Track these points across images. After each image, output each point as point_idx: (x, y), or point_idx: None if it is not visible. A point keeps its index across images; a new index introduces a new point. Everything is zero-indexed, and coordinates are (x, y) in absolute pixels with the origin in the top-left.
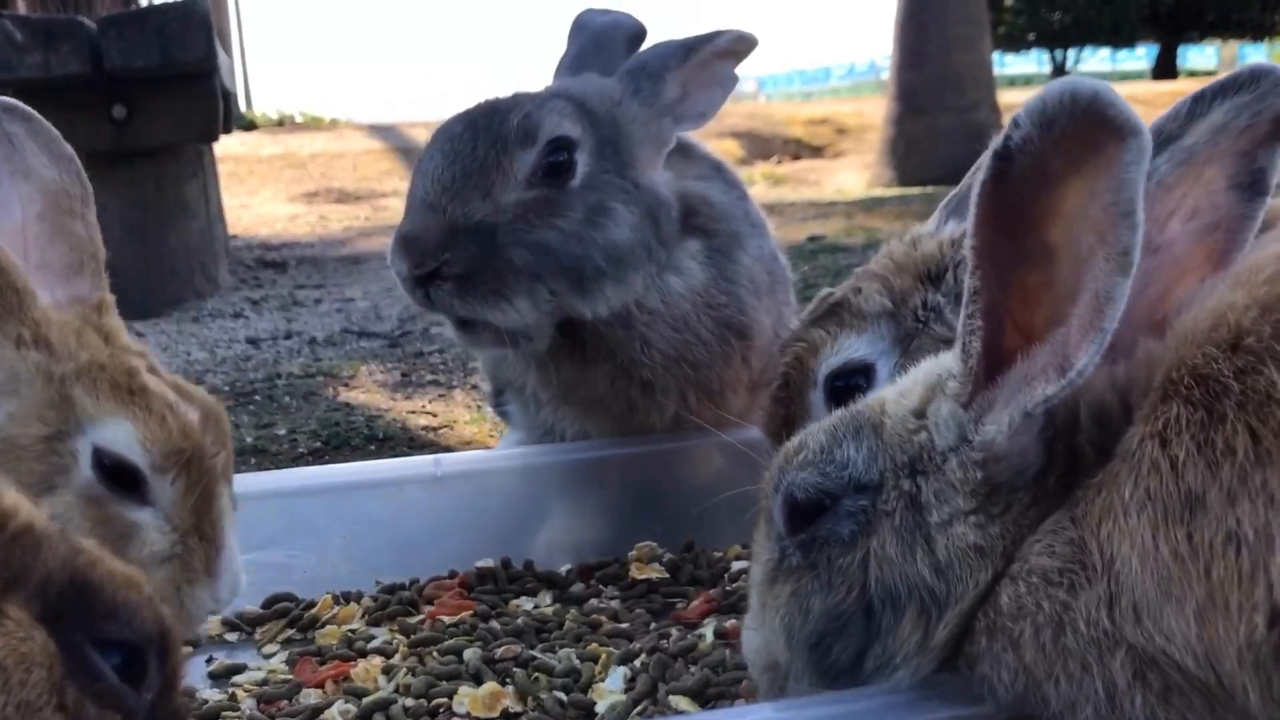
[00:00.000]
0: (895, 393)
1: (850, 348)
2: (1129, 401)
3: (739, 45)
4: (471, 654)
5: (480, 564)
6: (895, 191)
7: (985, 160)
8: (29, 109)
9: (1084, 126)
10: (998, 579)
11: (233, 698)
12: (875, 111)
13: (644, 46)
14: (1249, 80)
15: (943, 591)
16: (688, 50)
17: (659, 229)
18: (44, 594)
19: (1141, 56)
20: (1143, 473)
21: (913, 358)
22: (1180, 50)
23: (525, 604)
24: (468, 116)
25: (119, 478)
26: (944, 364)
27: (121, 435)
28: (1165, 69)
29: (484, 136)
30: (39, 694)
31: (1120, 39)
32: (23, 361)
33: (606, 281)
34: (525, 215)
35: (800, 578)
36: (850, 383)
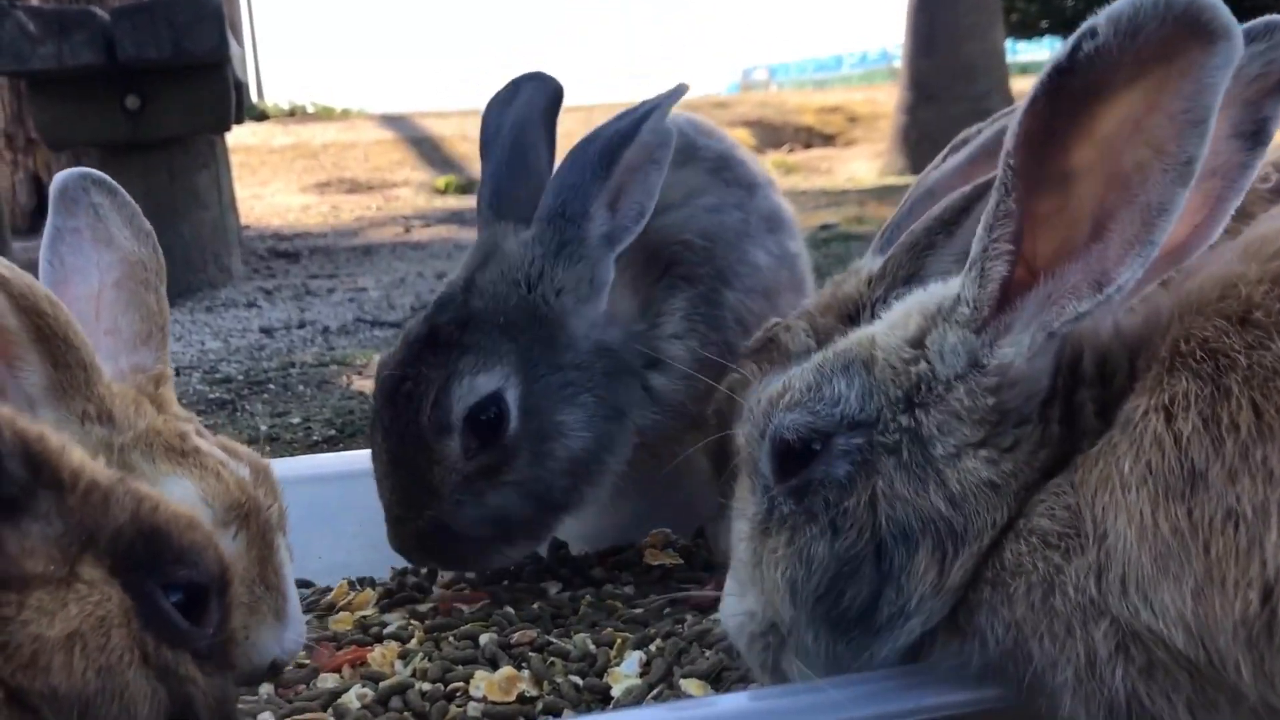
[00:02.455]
0: (884, 326)
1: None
2: (1135, 362)
3: (668, 108)
4: (487, 639)
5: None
6: (907, 180)
7: (1041, 75)
8: (114, 182)
9: (1172, 34)
10: (1005, 532)
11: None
12: (887, 100)
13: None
14: (1264, 31)
15: (960, 524)
16: (608, 163)
17: (623, 374)
18: (115, 548)
19: None
20: (1144, 446)
21: None
22: None
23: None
24: (391, 394)
25: None
26: (940, 293)
27: (183, 493)
28: None
29: (409, 435)
30: (119, 655)
31: None
32: (87, 436)
33: (582, 488)
34: (471, 488)
35: (796, 526)
36: None
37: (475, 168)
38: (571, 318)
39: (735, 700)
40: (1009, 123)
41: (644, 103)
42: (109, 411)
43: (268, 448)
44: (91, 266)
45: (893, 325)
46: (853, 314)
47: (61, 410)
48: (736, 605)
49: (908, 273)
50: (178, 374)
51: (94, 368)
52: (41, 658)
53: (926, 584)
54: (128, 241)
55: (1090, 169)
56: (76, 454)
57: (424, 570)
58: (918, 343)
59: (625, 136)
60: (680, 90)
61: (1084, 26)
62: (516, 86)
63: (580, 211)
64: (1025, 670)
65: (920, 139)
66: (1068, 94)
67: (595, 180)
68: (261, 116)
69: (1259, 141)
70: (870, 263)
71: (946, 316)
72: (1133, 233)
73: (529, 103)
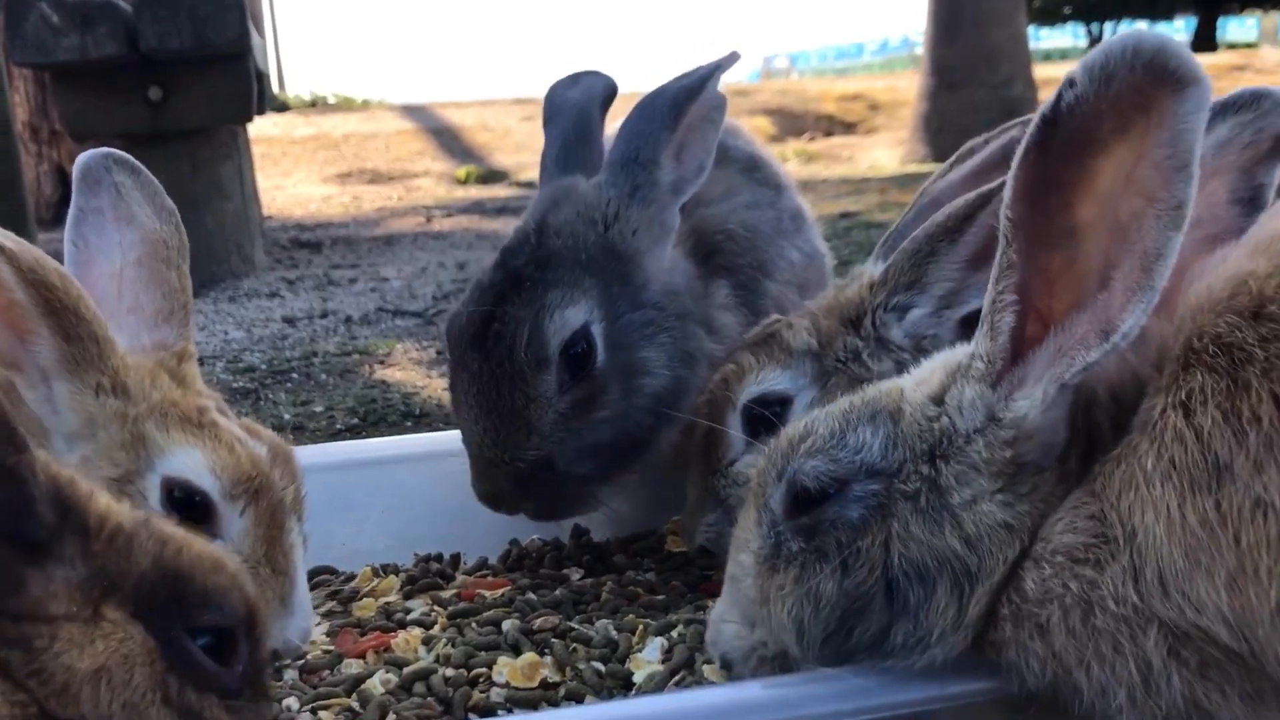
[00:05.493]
0: (912, 381)
1: (772, 379)
2: (1140, 376)
3: (726, 70)
4: (510, 625)
5: (525, 542)
6: (929, 167)
7: (1030, 127)
8: (137, 162)
9: (1144, 82)
10: (1021, 560)
11: (275, 670)
12: (909, 87)
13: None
14: (1250, 100)
15: (975, 564)
16: (676, 114)
17: (691, 318)
18: (138, 592)
19: (1180, 29)
20: (1165, 442)
21: (830, 394)
22: (1220, 22)
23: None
24: (476, 339)
25: (189, 509)
26: (962, 352)
27: (191, 462)
28: (1205, 41)
29: (503, 374)
30: (143, 693)
31: (1158, 11)
32: (100, 408)
33: (661, 428)
34: (568, 425)
35: (805, 563)
36: (768, 411)
37: (496, 158)
38: (646, 258)
39: (756, 687)
40: (1017, 133)
41: (701, 65)
42: (123, 384)
43: (291, 436)
44: (114, 246)
45: (920, 381)
46: (854, 319)
47: (75, 382)
48: (743, 632)
49: (909, 279)
50: (201, 364)
51: (106, 340)
52: (72, 688)
53: (947, 619)
54: (149, 219)
55: (1094, 224)
56: (102, 499)
57: (446, 556)
58: (939, 399)
59: (692, 91)
60: (734, 57)
61: (1065, 78)
62: (578, 77)
63: (651, 158)
64: (1075, 704)
65: (942, 126)
66: (1058, 145)
67: (664, 130)
68: (283, 107)
69: (1255, 207)
70: (872, 268)
71: (964, 372)
72: (1134, 280)
73: (589, 88)
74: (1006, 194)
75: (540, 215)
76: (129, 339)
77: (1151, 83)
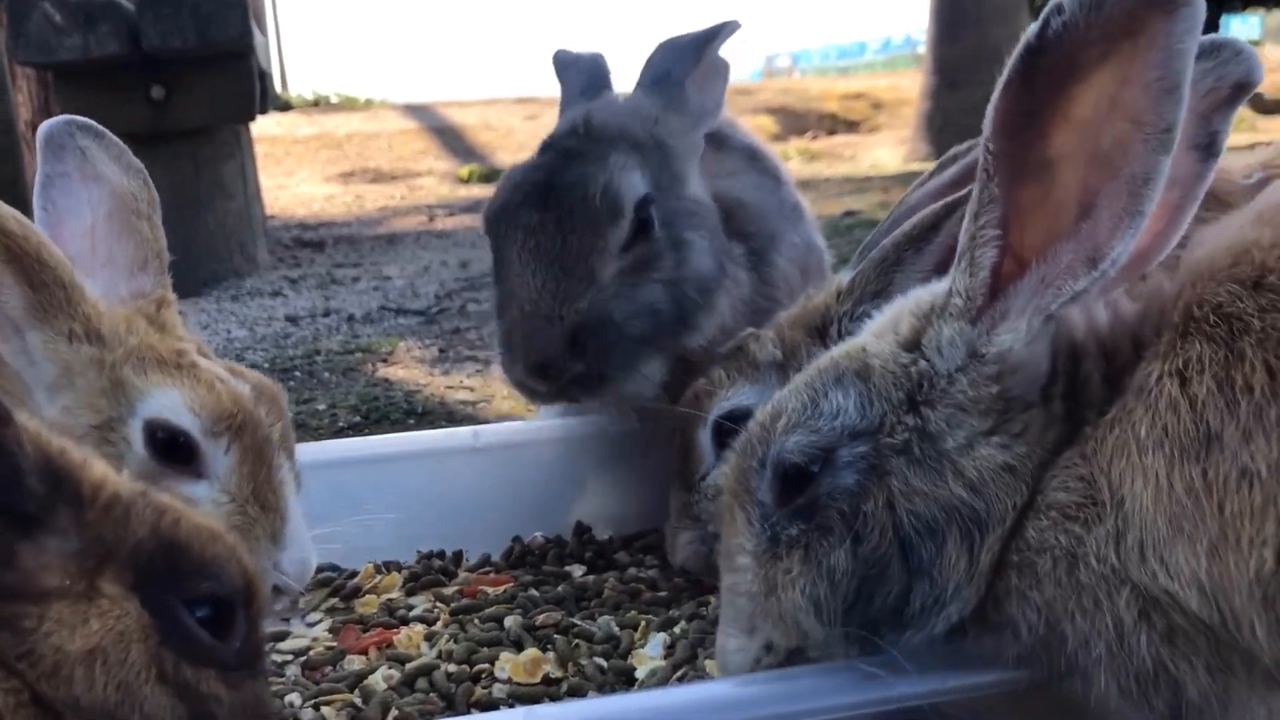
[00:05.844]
0: (872, 334)
1: (740, 394)
2: (1140, 336)
3: (731, 35)
4: (512, 621)
5: (527, 539)
6: (931, 166)
7: (1013, 56)
8: (101, 127)
9: (1135, 5)
10: (1025, 511)
11: (278, 665)
12: (911, 86)
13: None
14: (1210, 49)
15: (983, 509)
16: (698, 52)
17: (720, 238)
18: (135, 562)
19: None
20: (1160, 410)
21: None
22: (1223, 20)
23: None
24: (537, 197)
25: (172, 451)
26: (930, 293)
27: (169, 402)
28: None
29: (571, 223)
30: (138, 671)
31: None
32: (75, 355)
33: (701, 313)
34: (627, 280)
35: (809, 543)
36: (738, 426)
37: (498, 157)
38: (686, 161)
39: (757, 682)
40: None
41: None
42: (97, 330)
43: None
44: (82, 204)
45: (881, 332)
46: (820, 327)
47: (47, 330)
48: (745, 644)
49: (875, 288)
50: None
51: (74, 286)
52: (64, 669)
53: (960, 571)
54: (117, 176)
55: (1071, 154)
56: (98, 467)
57: (449, 553)
58: (913, 344)
59: (709, 36)
60: (735, 25)
61: (1051, 4)
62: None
63: (680, 79)
64: (1060, 654)
65: (944, 125)
66: (1042, 74)
67: (689, 61)
68: (286, 107)
69: (1212, 153)
70: (844, 276)
71: (940, 312)
72: (1120, 205)
73: (598, 56)
74: (986, 127)
75: (584, 114)
76: (106, 291)
77: (1143, 5)
